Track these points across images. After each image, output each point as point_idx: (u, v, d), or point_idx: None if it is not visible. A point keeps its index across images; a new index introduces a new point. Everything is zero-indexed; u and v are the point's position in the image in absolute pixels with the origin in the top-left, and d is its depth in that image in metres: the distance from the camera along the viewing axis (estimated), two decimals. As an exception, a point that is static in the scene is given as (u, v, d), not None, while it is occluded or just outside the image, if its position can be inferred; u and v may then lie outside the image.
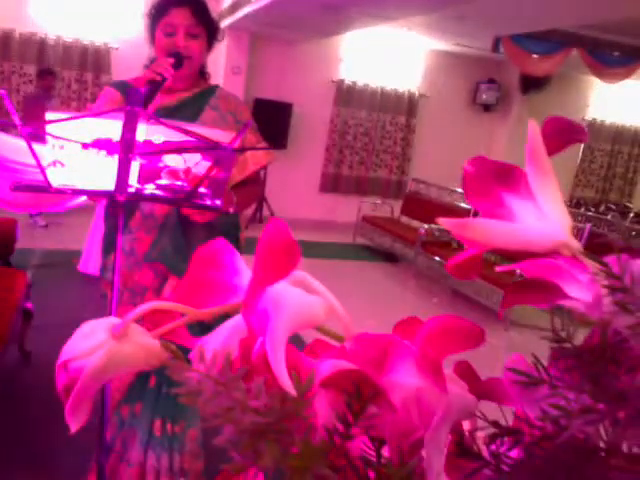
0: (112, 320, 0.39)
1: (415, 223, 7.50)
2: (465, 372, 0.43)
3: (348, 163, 9.48)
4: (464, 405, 0.40)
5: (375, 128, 9.47)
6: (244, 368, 0.31)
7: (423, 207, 7.69)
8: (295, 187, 9.13)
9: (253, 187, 2.13)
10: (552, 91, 9.62)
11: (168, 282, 2.01)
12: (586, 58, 8.13)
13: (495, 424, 0.39)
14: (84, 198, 3.03)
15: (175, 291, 0.41)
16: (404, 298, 6.15)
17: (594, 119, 10.54)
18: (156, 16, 1.91)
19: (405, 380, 0.38)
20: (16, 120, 1.45)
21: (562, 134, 0.37)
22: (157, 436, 1.99)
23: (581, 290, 0.37)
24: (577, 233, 5.76)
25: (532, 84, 9.51)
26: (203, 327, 0.45)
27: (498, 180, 0.37)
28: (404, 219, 8.11)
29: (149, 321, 0.41)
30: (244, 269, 0.41)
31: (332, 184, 9.48)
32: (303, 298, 0.38)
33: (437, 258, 6.25)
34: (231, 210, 1.94)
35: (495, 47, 8.29)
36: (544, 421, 0.35)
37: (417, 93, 9.55)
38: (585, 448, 0.33)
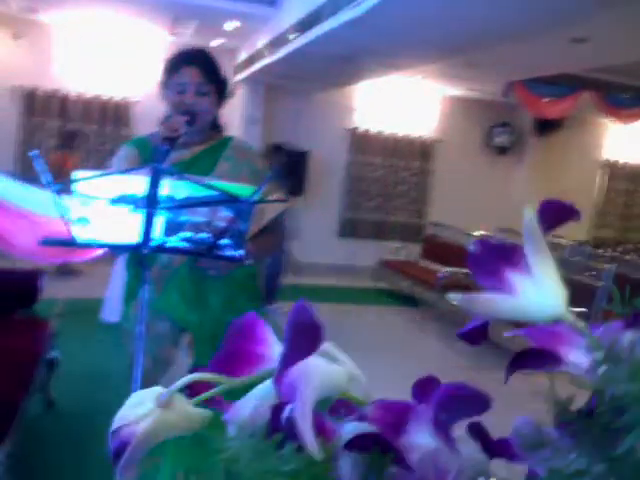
0: (158, 390, 0.43)
1: (434, 266, 7.48)
2: (477, 432, 0.46)
3: (366, 208, 9.57)
4: (476, 464, 0.44)
5: (390, 173, 9.59)
6: (278, 436, 0.36)
7: (442, 250, 7.70)
8: (314, 233, 9.18)
9: (272, 236, 2.12)
10: (567, 133, 9.70)
11: (183, 334, 2.03)
12: (598, 100, 8.20)
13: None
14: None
15: (214, 360, 0.46)
16: (425, 342, 6.11)
17: (608, 159, 10.59)
18: (168, 74, 2.01)
19: (421, 441, 0.42)
20: (47, 178, 1.52)
21: (556, 214, 0.42)
22: None
23: (580, 355, 0.41)
24: (598, 274, 5.74)
25: (546, 127, 9.59)
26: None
27: (500, 258, 0.41)
28: (423, 262, 8.12)
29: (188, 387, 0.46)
30: (272, 339, 0.46)
31: (350, 229, 9.55)
32: (327, 369, 0.42)
33: (457, 301, 6.21)
34: (247, 261, 1.96)
35: (506, 92, 8.39)
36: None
37: (432, 138, 9.68)
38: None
